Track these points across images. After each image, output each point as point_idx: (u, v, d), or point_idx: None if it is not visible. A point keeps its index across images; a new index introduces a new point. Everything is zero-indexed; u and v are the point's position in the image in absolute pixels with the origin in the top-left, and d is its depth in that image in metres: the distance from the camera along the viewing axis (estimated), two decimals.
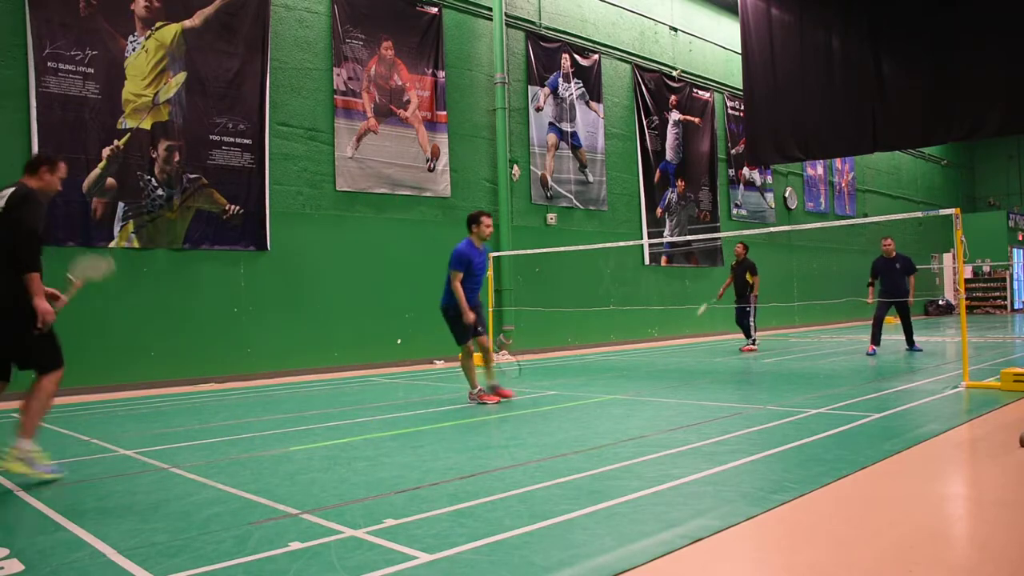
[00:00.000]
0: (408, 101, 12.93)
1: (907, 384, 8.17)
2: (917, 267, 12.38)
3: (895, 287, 11.75)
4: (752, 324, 13.66)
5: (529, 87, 14.98)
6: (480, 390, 7.59)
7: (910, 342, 12.12)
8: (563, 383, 9.31)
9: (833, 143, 12.10)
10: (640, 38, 17.60)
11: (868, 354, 11.61)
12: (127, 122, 9.90)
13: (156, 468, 4.88)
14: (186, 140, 10.39)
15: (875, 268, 12.13)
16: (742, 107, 16.21)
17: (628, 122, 17.19)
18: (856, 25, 11.50)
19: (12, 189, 4.69)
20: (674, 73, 18.34)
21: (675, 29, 18.59)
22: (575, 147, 15.84)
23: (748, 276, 13.48)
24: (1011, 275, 28.89)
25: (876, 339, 11.79)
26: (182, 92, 10.41)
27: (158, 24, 10.25)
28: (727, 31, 19.72)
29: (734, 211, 20.15)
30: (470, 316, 7.34)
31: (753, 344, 13.59)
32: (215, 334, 10.58)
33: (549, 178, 15.26)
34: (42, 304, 4.54)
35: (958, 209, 7.93)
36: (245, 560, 3.02)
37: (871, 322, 12.05)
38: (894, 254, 12.01)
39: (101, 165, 9.66)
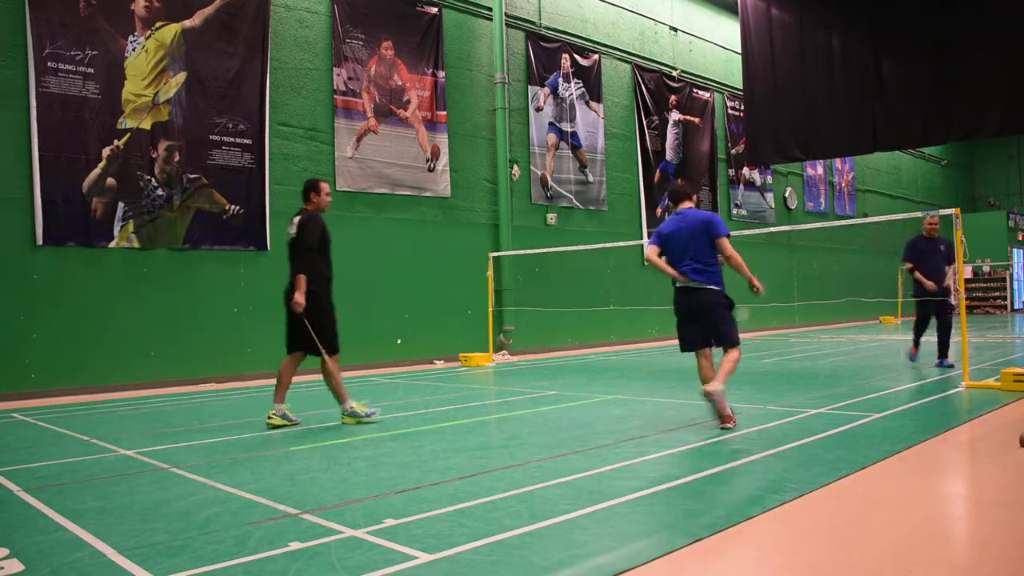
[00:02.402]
0: (408, 101, 12.93)
1: (907, 384, 8.17)
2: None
3: (936, 274, 9.60)
4: None
5: (529, 87, 14.97)
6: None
7: (943, 353, 9.86)
8: (563, 383, 9.31)
9: (833, 143, 12.10)
10: (640, 38, 17.60)
11: (911, 358, 10.15)
12: (127, 122, 9.89)
13: (156, 468, 4.88)
14: (186, 140, 10.39)
15: (914, 249, 9.90)
16: (742, 107, 16.20)
17: (628, 122, 17.19)
18: (856, 25, 11.50)
19: (299, 217, 6.53)
20: (674, 73, 18.34)
21: (675, 29, 18.59)
22: (575, 147, 15.84)
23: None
24: (1011, 275, 28.88)
25: (917, 341, 10.10)
26: (182, 92, 10.41)
27: (158, 24, 10.25)
28: (727, 31, 19.72)
29: (734, 211, 20.15)
30: None
31: None
32: (215, 334, 10.58)
33: (549, 178, 15.25)
34: (300, 296, 6.39)
35: (958, 209, 7.93)
36: (245, 560, 3.02)
37: (913, 324, 10.24)
38: (937, 234, 9.86)
39: (101, 165, 9.66)
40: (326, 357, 6.43)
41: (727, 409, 5.71)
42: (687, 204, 6.15)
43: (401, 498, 3.92)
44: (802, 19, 12.13)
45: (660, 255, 6.06)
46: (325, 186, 6.76)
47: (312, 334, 6.43)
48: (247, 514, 3.69)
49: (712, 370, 5.89)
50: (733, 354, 5.88)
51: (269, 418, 6.45)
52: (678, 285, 5.98)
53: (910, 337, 10.30)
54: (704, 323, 5.88)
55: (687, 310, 5.96)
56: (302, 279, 6.37)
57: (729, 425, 5.66)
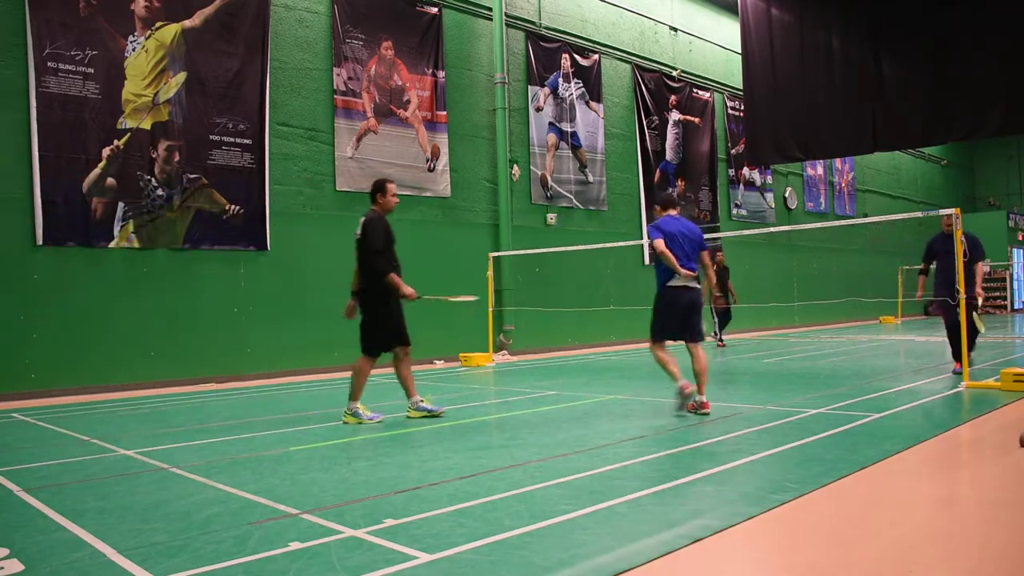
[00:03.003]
0: (408, 101, 12.93)
1: (907, 384, 8.17)
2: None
3: (953, 273, 8.60)
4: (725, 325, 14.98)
5: (529, 87, 14.97)
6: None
7: (958, 357, 8.74)
8: (563, 383, 9.31)
9: (833, 143, 12.10)
10: (640, 38, 17.60)
11: (955, 373, 8.92)
12: (127, 122, 9.89)
13: (156, 468, 4.88)
14: (186, 140, 10.38)
15: (930, 249, 9.12)
16: (742, 107, 16.20)
17: (628, 122, 17.19)
18: (856, 25, 11.49)
19: (364, 218, 6.49)
20: (674, 73, 18.34)
21: (675, 29, 18.59)
22: (575, 147, 15.84)
23: (729, 281, 14.85)
24: (1011, 275, 28.88)
25: (959, 353, 8.61)
26: (182, 92, 10.41)
27: (158, 24, 10.25)
28: (727, 31, 19.72)
29: (734, 211, 20.15)
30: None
31: (721, 340, 14.83)
32: (215, 334, 10.58)
33: (549, 178, 15.25)
34: (406, 289, 6.37)
35: (958, 209, 7.94)
36: (245, 560, 3.02)
37: (945, 333, 9.16)
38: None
39: (101, 165, 9.65)
40: (364, 355, 6.67)
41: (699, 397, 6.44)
42: (675, 211, 6.83)
43: (401, 498, 3.92)
44: (802, 19, 12.13)
45: None
46: (392, 187, 6.70)
47: (365, 330, 6.63)
48: (247, 514, 3.69)
49: (672, 363, 6.50)
50: (702, 353, 6.56)
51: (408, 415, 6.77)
52: (674, 283, 6.48)
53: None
54: (685, 318, 6.52)
55: (675, 304, 6.52)
56: (394, 278, 6.39)
57: (706, 410, 6.37)
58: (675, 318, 6.51)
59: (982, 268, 8.93)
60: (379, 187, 6.66)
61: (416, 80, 13.05)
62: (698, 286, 6.56)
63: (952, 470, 4.62)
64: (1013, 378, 7.32)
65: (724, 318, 14.86)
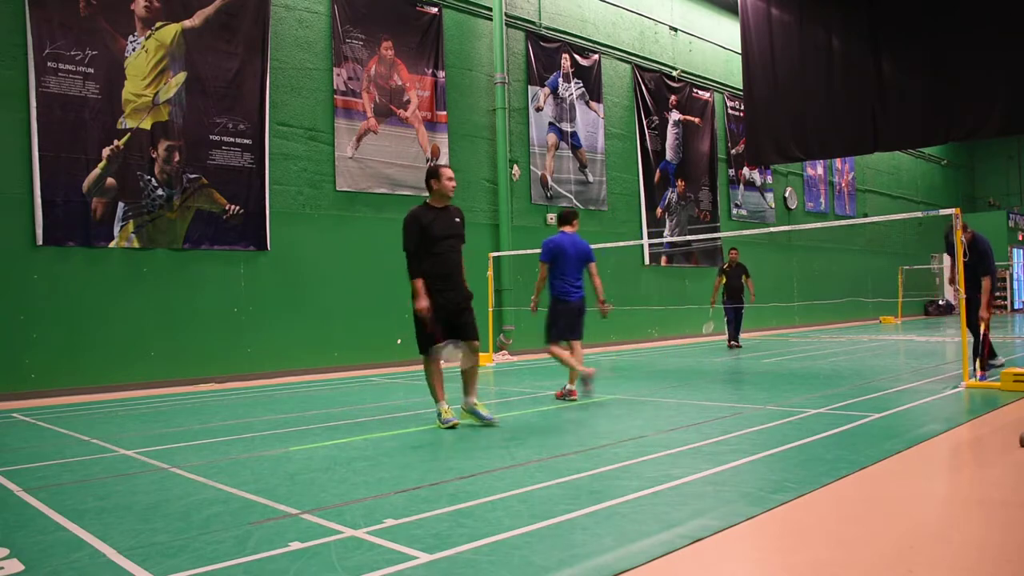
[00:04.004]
0: (408, 101, 12.93)
1: (907, 384, 8.17)
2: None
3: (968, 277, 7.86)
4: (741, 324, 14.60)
5: (529, 87, 14.97)
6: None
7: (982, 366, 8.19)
8: (563, 383, 9.30)
9: (833, 143, 12.09)
10: (640, 38, 17.59)
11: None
12: (127, 122, 9.89)
13: (156, 468, 4.88)
14: (186, 140, 10.38)
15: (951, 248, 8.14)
16: (742, 107, 16.20)
17: (628, 122, 17.19)
18: (856, 25, 11.49)
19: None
20: (674, 73, 18.34)
21: (675, 29, 18.59)
22: (575, 147, 15.84)
23: (745, 279, 14.26)
24: (1011, 275, 28.88)
25: (978, 359, 8.19)
26: (182, 92, 10.41)
27: (158, 24, 10.25)
28: (727, 31, 19.72)
29: (734, 211, 20.14)
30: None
31: (736, 342, 14.47)
32: (215, 334, 10.58)
33: (549, 178, 15.25)
34: (421, 300, 5.97)
35: (958, 209, 7.93)
36: (245, 560, 3.02)
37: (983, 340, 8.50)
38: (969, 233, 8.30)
39: (101, 165, 9.66)
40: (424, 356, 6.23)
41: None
42: (570, 228, 7.99)
43: (401, 498, 3.92)
44: (802, 19, 12.12)
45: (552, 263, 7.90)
46: (446, 171, 6.27)
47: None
48: (247, 514, 3.69)
49: (568, 357, 7.72)
50: (580, 349, 8.00)
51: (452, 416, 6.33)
52: (568, 299, 7.85)
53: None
54: (573, 322, 7.88)
55: (569, 311, 7.86)
56: (416, 286, 6.02)
57: (590, 389, 7.59)
58: (567, 322, 7.77)
59: (988, 284, 8.04)
60: (432, 173, 6.26)
61: (416, 80, 13.05)
62: (582, 293, 7.86)
63: (952, 470, 4.62)
64: (1013, 378, 7.32)
65: (737, 319, 14.36)
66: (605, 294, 8.36)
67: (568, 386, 7.69)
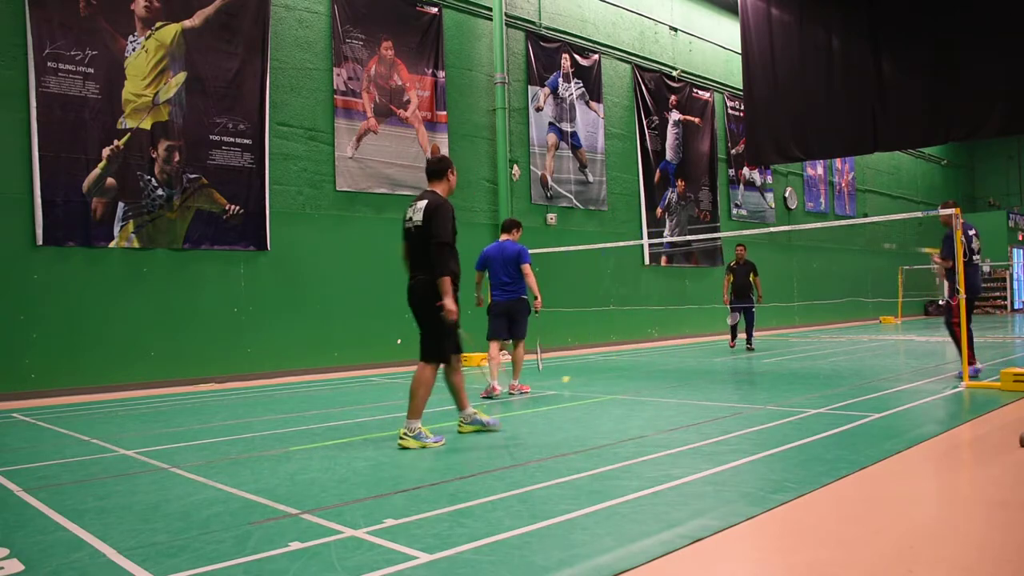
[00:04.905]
0: (408, 101, 12.93)
1: (907, 384, 8.17)
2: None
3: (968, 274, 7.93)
4: (753, 324, 14.04)
5: (529, 87, 14.97)
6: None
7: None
8: (563, 383, 9.31)
9: (833, 143, 12.09)
10: (640, 38, 17.60)
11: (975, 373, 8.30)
12: (127, 122, 9.89)
13: (156, 468, 4.88)
14: (186, 140, 10.39)
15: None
16: (742, 107, 16.20)
17: (628, 122, 17.19)
18: (856, 25, 11.48)
19: (426, 201, 5.36)
20: (674, 73, 18.34)
21: (675, 29, 18.59)
22: (575, 147, 15.84)
23: (752, 277, 13.81)
24: (1011, 275, 28.87)
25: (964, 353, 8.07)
26: (182, 92, 10.41)
27: (158, 24, 10.25)
28: (727, 31, 19.72)
29: (734, 211, 20.15)
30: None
31: (752, 346, 13.96)
32: (215, 334, 10.58)
33: (549, 178, 15.25)
34: (449, 303, 5.23)
35: (958, 209, 7.92)
36: (245, 560, 3.02)
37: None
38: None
39: (101, 165, 9.66)
40: (446, 364, 5.57)
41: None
42: (504, 236, 8.34)
43: (401, 498, 3.92)
44: (802, 19, 12.12)
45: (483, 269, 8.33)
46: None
47: (431, 335, 5.43)
48: (247, 514, 3.69)
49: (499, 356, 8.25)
50: (522, 349, 8.40)
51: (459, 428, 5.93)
52: (495, 300, 8.22)
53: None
54: (502, 322, 8.23)
55: (497, 312, 8.23)
56: (447, 282, 5.23)
57: (496, 393, 7.93)
58: (495, 322, 8.22)
59: (936, 259, 8.52)
60: (450, 164, 5.65)
61: (416, 80, 13.05)
62: (518, 296, 8.20)
63: (952, 470, 4.62)
64: (1013, 378, 7.32)
65: (749, 320, 13.89)
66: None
67: (491, 380, 8.10)
